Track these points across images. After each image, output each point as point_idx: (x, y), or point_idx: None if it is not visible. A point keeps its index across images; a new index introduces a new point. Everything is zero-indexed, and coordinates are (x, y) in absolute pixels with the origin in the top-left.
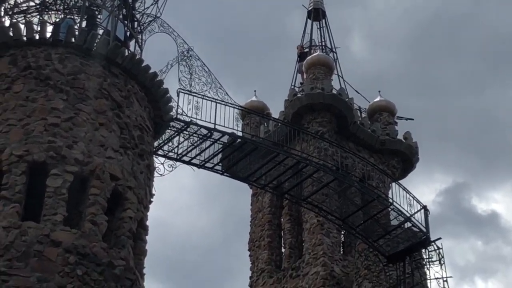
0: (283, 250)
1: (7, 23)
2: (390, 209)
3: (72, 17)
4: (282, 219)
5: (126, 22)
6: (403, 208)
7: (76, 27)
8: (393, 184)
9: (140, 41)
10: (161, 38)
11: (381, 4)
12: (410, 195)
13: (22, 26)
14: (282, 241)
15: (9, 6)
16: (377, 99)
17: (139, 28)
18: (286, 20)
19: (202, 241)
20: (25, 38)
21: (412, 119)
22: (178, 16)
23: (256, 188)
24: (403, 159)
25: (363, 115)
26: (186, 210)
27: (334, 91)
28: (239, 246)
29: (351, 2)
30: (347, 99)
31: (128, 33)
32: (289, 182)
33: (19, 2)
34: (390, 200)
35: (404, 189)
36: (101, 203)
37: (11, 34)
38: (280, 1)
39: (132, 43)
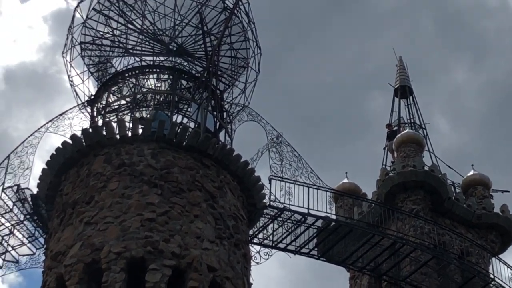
0: None
1: (100, 122)
2: (491, 286)
3: (161, 111)
4: None
5: (215, 113)
6: (506, 284)
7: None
8: (493, 259)
9: (230, 131)
10: (250, 127)
11: (463, 76)
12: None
13: (114, 125)
14: None
15: (101, 106)
16: (471, 173)
17: (228, 118)
18: (369, 100)
19: None
20: (118, 136)
21: (508, 191)
22: (263, 104)
23: (353, 271)
24: (501, 232)
25: (457, 190)
26: None
27: (426, 168)
28: None
29: (430, 78)
30: (439, 175)
31: (217, 124)
32: (386, 263)
33: (110, 101)
34: (491, 276)
35: (505, 263)
36: None
37: (104, 133)
38: (362, 82)
39: (222, 133)
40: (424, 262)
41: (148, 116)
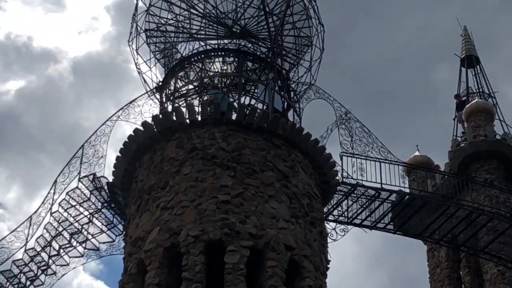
0: None
1: (169, 108)
2: None
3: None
4: (461, 272)
5: (282, 93)
6: None
7: (235, 103)
8: None
9: (298, 109)
10: (318, 104)
11: None
12: None
13: (184, 109)
14: None
15: (169, 92)
16: None
17: (295, 97)
18: (435, 71)
19: None
20: (188, 121)
21: None
22: (329, 81)
23: (431, 244)
24: None
25: None
26: (354, 276)
27: (498, 137)
28: None
29: (496, 46)
30: None
31: (285, 104)
32: (463, 234)
33: (178, 86)
34: None
35: None
36: (280, 275)
37: (174, 118)
38: (427, 54)
39: (290, 113)
40: (502, 231)
41: (208, 98)
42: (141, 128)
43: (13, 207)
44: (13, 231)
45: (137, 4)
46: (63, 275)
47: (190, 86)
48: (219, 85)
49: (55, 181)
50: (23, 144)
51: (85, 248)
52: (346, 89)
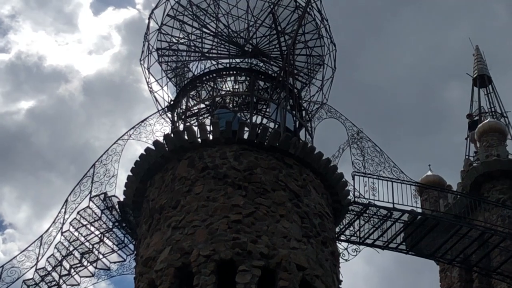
0: None
1: (181, 127)
2: None
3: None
4: None
5: (294, 112)
6: None
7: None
8: None
9: (309, 129)
10: (329, 124)
11: None
12: None
13: (195, 129)
14: None
15: (181, 111)
16: None
17: (307, 116)
18: (446, 91)
19: None
20: (199, 140)
21: None
22: (340, 101)
23: (443, 264)
24: None
25: None
26: None
27: (510, 157)
28: None
29: (508, 65)
30: None
31: (297, 123)
32: (476, 254)
33: (190, 105)
34: None
35: None
36: None
37: (186, 137)
38: (438, 73)
39: (302, 132)
40: None
41: (214, 117)
42: (153, 147)
43: (23, 227)
44: (23, 250)
45: (149, 23)
46: None
47: (202, 105)
48: (228, 105)
49: (66, 200)
50: (33, 163)
51: (96, 267)
52: (357, 109)
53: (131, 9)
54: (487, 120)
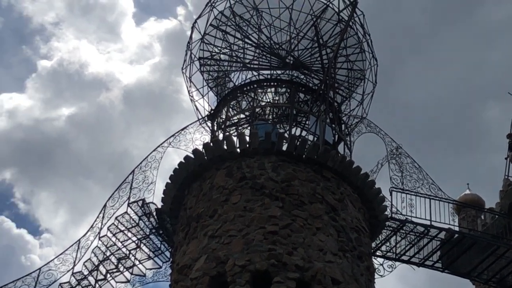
0: None
1: (220, 136)
2: None
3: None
4: None
5: (333, 125)
6: None
7: (286, 134)
8: None
9: (348, 142)
10: (368, 138)
11: None
12: None
13: (235, 139)
14: None
15: (221, 120)
16: None
17: (346, 130)
18: (486, 110)
19: None
20: (238, 150)
21: None
22: (379, 117)
23: (479, 284)
24: None
25: None
26: None
27: None
28: None
29: None
30: None
31: (336, 136)
32: None
33: (230, 115)
34: None
35: None
36: None
37: (225, 147)
38: (477, 93)
39: (340, 146)
40: None
41: (253, 128)
42: (192, 155)
43: (60, 232)
44: (61, 254)
45: (192, 32)
46: None
47: (242, 116)
48: (267, 116)
49: (105, 206)
50: (72, 169)
51: (131, 273)
52: (396, 126)
53: (172, 20)
54: None
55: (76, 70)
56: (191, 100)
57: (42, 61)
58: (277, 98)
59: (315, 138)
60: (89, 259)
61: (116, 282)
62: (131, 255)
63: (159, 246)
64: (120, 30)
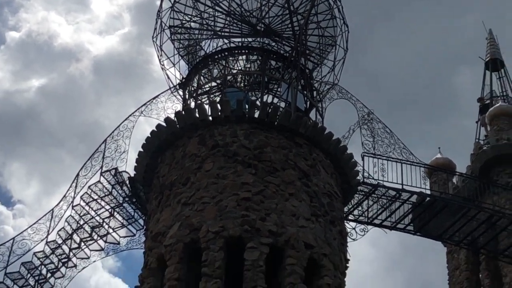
0: None
1: (192, 104)
2: None
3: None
4: (480, 275)
5: (305, 92)
6: None
7: (258, 102)
8: None
9: (320, 109)
10: (340, 104)
11: None
12: None
13: (206, 107)
14: None
15: (192, 89)
16: None
17: (318, 96)
18: (457, 75)
19: None
20: (210, 118)
21: None
22: (350, 83)
23: (450, 246)
24: None
25: None
26: (371, 279)
27: None
28: None
29: None
30: None
31: (308, 103)
32: (483, 236)
33: (201, 83)
34: None
35: None
36: (299, 272)
37: (197, 115)
38: (449, 57)
39: (312, 112)
40: None
41: (225, 96)
42: (164, 124)
43: (33, 203)
44: (34, 223)
45: (162, 0)
46: (83, 268)
47: (213, 84)
48: (239, 83)
49: (77, 175)
50: (43, 141)
51: (105, 241)
52: (367, 93)
53: None
54: (498, 104)
55: (45, 41)
56: (162, 68)
57: (11, 32)
58: (248, 65)
59: (287, 105)
60: (63, 228)
61: (90, 250)
62: (104, 224)
63: (132, 214)
64: (89, 1)
